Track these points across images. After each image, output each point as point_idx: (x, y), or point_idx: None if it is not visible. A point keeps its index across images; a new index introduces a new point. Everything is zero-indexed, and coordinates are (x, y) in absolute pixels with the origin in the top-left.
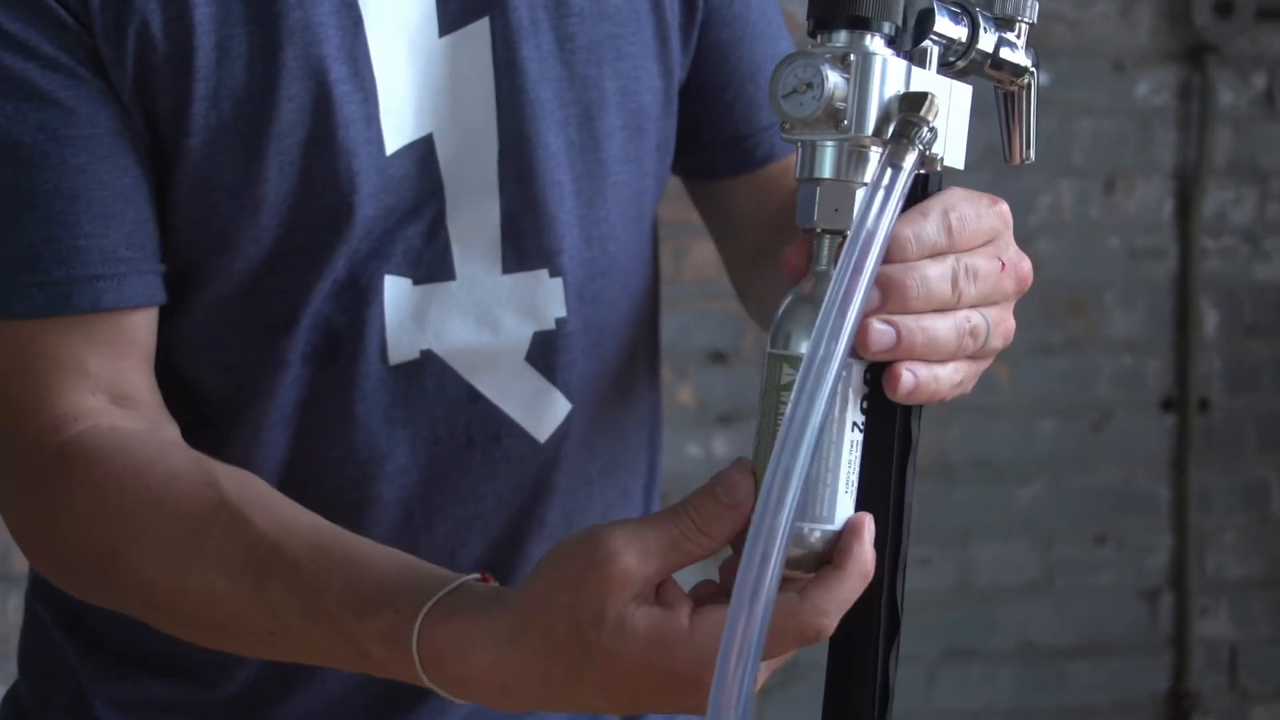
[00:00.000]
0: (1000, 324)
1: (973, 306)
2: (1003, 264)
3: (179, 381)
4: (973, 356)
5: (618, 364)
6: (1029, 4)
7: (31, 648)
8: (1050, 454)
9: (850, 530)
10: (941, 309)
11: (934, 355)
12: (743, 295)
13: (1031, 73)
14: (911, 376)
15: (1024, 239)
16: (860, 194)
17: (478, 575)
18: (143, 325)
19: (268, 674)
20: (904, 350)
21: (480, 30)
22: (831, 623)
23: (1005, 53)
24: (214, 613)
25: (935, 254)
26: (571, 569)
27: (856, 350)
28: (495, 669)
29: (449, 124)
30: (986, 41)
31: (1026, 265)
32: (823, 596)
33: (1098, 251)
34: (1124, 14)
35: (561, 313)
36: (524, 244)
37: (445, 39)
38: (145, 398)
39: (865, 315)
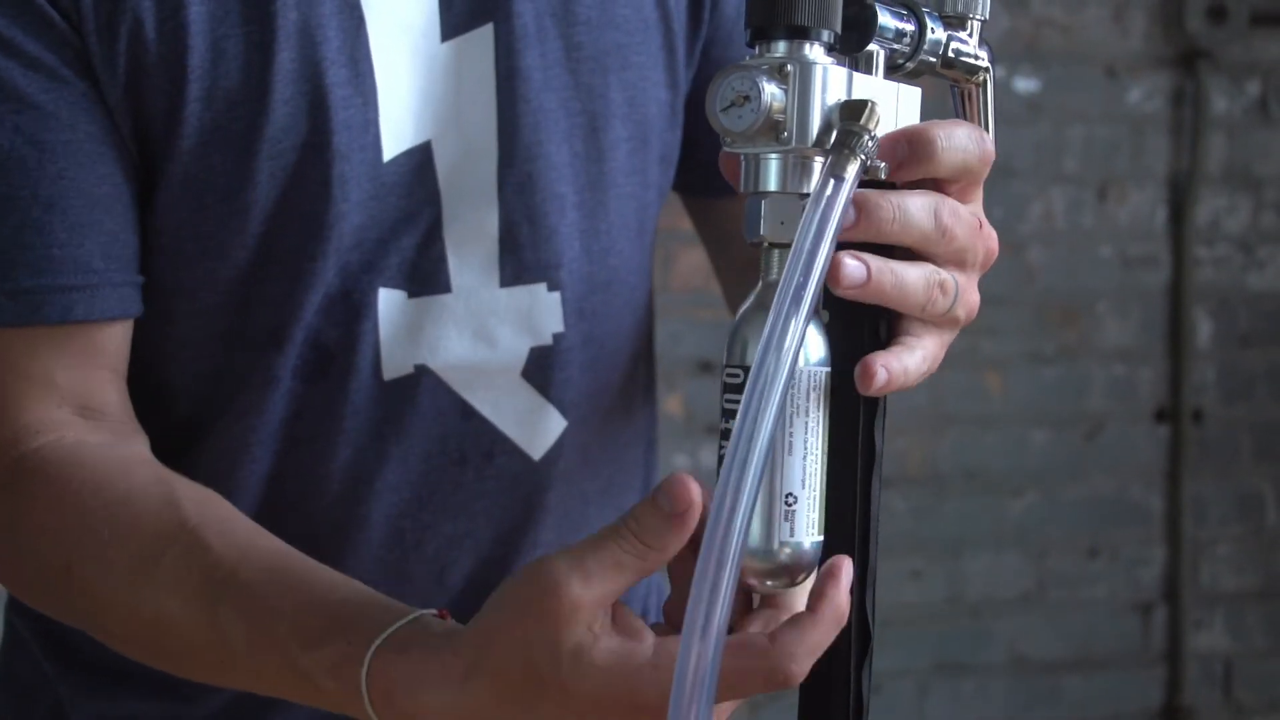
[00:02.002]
0: (966, 292)
1: (949, 259)
2: (980, 223)
3: (164, 394)
4: (938, 324)
5: (615, 380)
6: (980, 2)
7: (9, 663)
8: (1042, 465)
9: (827, 573)
10: (925, 243)
11: (903, 302)
12: (733, 308)
13: (987, 69)
14: (884, 372)
15: (1016, 247)
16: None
17: (435, 611)
18: (115, 337)
19: (250, 693)
20: (874, 289)
21: (484, 36)
22: (802, 669)
23: (957, 51)
24: (165, 637)
25: (963, 156)
26: (518, 604)
27: (827, 287)
28: (445, 709)
29: (448, 131)
30: (935, 41)
31: (995, 242)
32: (794, 640)
33: (1090, 260)
34: (1116, 19)
35: (559, 328)
36: (522, 257)
37: (448, 44)
38: (114, 411)
39: (839, 250)
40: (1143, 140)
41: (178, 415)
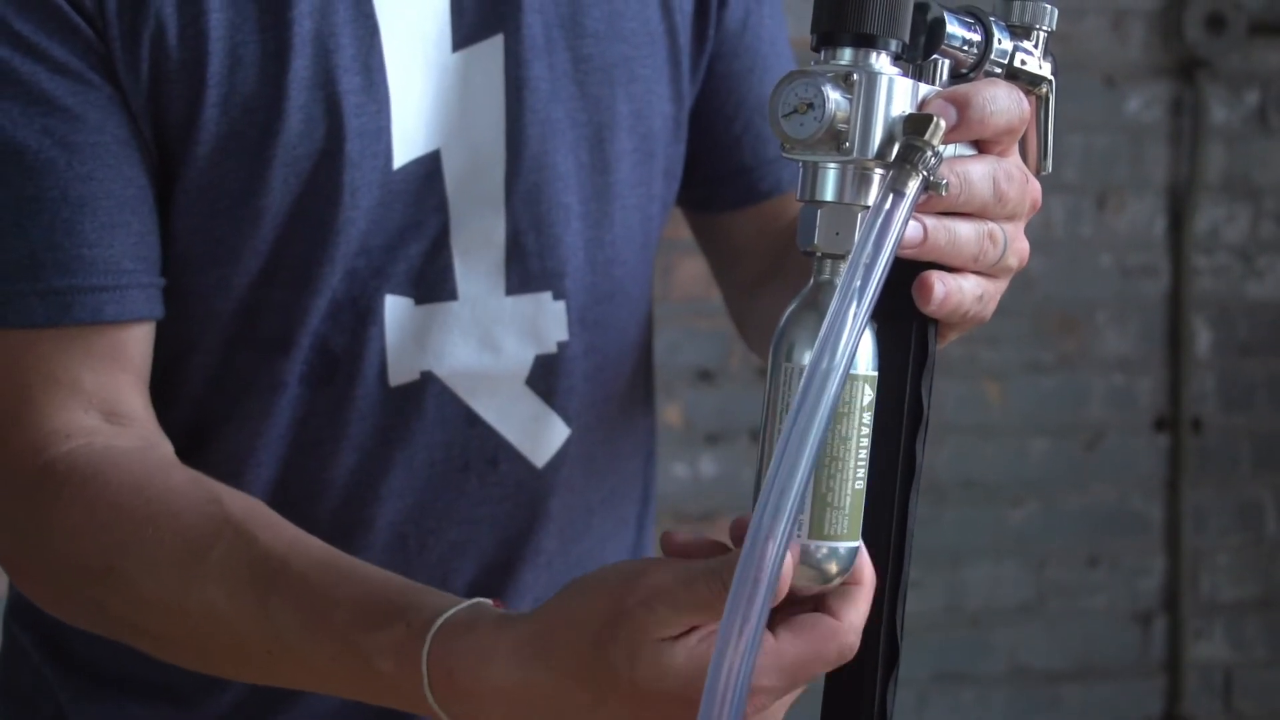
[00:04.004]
0: (1015, 240)
1: (1003, 219)
2: (1025, 176)
3: (172, 398)
4: (991, 274)
5: (617, 389)
6: (1047, 12)
7: (9, 671)
8: (1042, 474)
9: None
10: (984, 210)
11: (956, 257)
12: (741, 324)
13: (1049, 82)
14: (942, 286)
15: None
16: (862, 218)
17: (491, 601)
18: (141, 340)
19: (253, 696)
20: (930, 247)
21: (494, 47)
22: (858, 640)
23: (1021, 62)
24: (212, 632)
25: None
26: (610, 599)
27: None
28: (510, 687)
29: (457, 140)
30: (1001, 52)
31: (1038, 192)
32: (855, 614)
33: (1089, 269)
34: (1115, 28)
35: (563, 336)
36: (528, 265)
37: (458, 54)
38: (139, 415)
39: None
40: (1141, 149)
41: (185, 419)
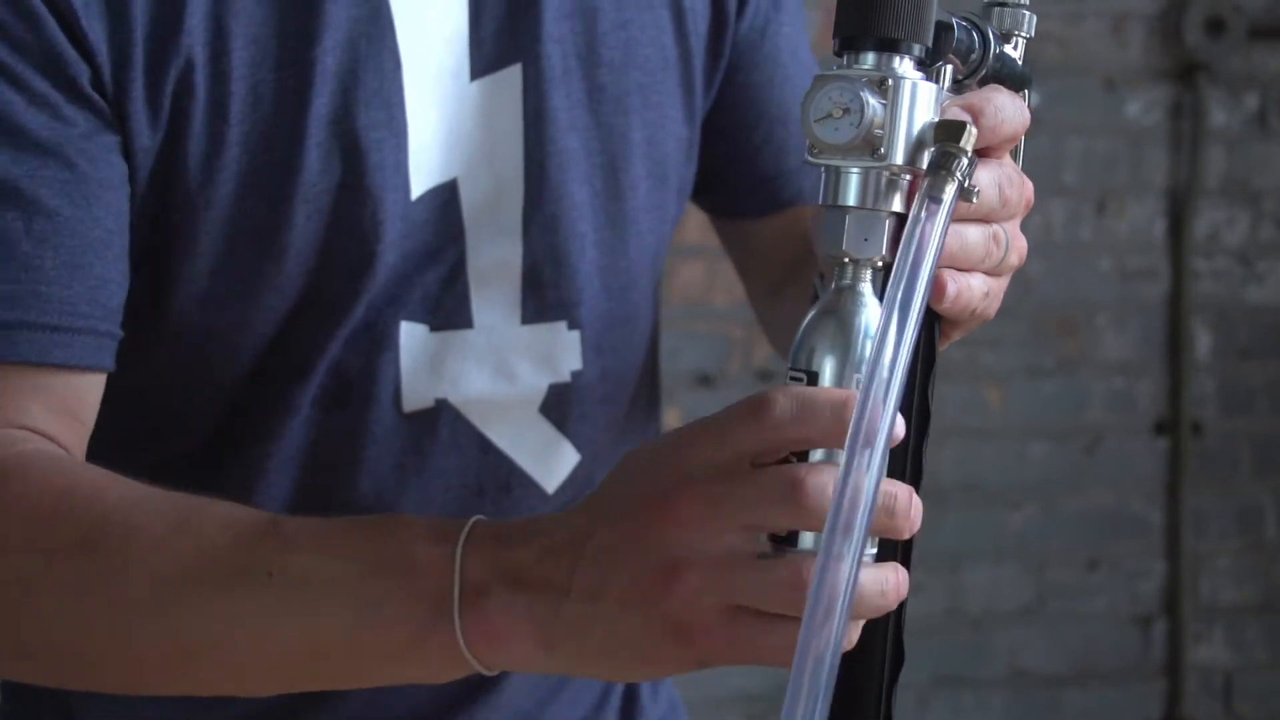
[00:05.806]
0: (1015, 239)
1: (1003, 220)
2: (1021, 177)
3: (185, 423)
4: (995, 273)
5: (626, 411)
6: (1027, 19)
7: (12, 698)
8: (1042, 477)
9: None
10: (990, 214)
11: (966, 260)
12: (766, 326)
13: (1030, 84)
14: (954, 284)
15: None
16: (889, 224)
17: None
18: (89, 391)
19: (263, 706)
20: (944, 254)
21: (512, 76)
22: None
23: (1011, 67)
24: (209, 568)
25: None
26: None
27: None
28: (543, 531)
29: (475, 169)
30: (996, 55)
31: (1031, 190)
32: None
33: (1089, 272)
34: (1115, 32)
35: (578, 365)
36: (545, 295)
37: (476, 83)
38: (77, 456)
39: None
40: (1141, 153)
41: (197, 443)
